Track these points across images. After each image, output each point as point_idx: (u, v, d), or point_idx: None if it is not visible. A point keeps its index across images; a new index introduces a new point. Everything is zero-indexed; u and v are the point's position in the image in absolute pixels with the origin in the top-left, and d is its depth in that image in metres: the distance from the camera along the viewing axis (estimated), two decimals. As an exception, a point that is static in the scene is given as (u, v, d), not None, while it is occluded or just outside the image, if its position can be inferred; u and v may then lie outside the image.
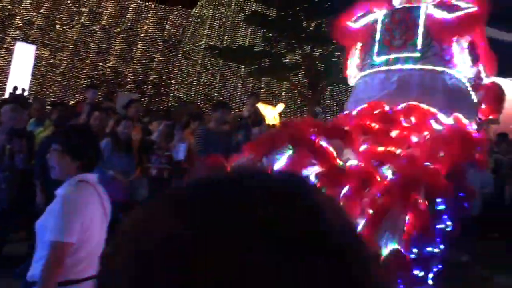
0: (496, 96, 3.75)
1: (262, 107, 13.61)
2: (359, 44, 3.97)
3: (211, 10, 23.63)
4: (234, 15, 23.45)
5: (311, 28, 19.71)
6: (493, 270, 6.11)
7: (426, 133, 3.25)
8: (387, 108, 3.41)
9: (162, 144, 7.45)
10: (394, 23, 3.61)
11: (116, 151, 6.67)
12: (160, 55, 23.09)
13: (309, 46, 19.69)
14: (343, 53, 17.02)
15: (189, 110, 10.84)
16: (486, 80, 3.69)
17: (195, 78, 22.72)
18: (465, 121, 3.39)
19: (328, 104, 21.59)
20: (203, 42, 23.03)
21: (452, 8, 3.45)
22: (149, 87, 22.46)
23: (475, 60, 3.43)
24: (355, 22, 3.95)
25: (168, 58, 23.17)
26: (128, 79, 22.26)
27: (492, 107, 3.77)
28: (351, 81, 4.14)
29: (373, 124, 3.31)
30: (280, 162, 3.17)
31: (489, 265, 6.24)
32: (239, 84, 22.52)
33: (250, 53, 19.88)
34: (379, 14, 3.76)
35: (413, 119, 3.31)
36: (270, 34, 19.73)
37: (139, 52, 22.79)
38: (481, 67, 3.60)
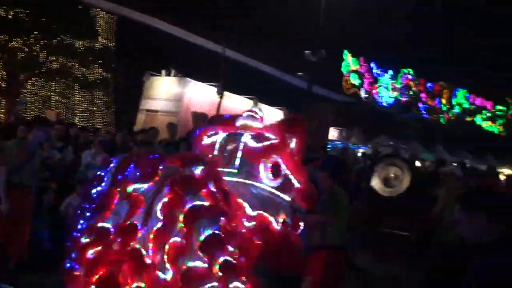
0: (307, 194, 5.03)
1: None
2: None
3: None
4: None
5: (10, 17, 18.27)
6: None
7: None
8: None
9: None
10: (226, 145, 4.90)
11: None
12: None
13: (6, 36, 18.19)
14: (70, 48, 16.03)
15: None
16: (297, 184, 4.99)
17: None
18: (270, 218, 4.57)
19: (29, 99, 20.27)
20: None
21: (262, 139, 4.81)
22: None
23: (277, 175, 4.73)
24: (206, 139, 5.14)
25: None
26: None
27: (306, 199, 5.01)
28: None
29: None
30: None
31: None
32: None
33: None
34: (220, 135, 5.00)
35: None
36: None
37: None
38: (290, 177, 4.92)
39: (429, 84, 32.94)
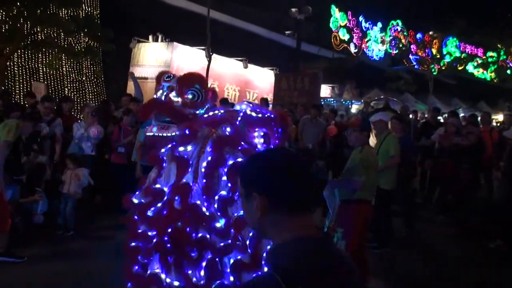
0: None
1: None
2: None
3: None
4: None
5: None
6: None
7: None
8: None
9: None
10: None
11: None
12: None
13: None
14: (54, 17, 15.57)
15: None
16: None
17: None
18: None
19: (17, 72, 20.08)
20: None
21: (258, 113, 5.26)
22: None
23: (267, 143, 5.16)
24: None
25: None
26: None
27: None
28: None
29: None
30: None
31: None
32: None
33: None
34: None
35: None
36: None
37: None
38: None
39: (418, 35, 32.70)
